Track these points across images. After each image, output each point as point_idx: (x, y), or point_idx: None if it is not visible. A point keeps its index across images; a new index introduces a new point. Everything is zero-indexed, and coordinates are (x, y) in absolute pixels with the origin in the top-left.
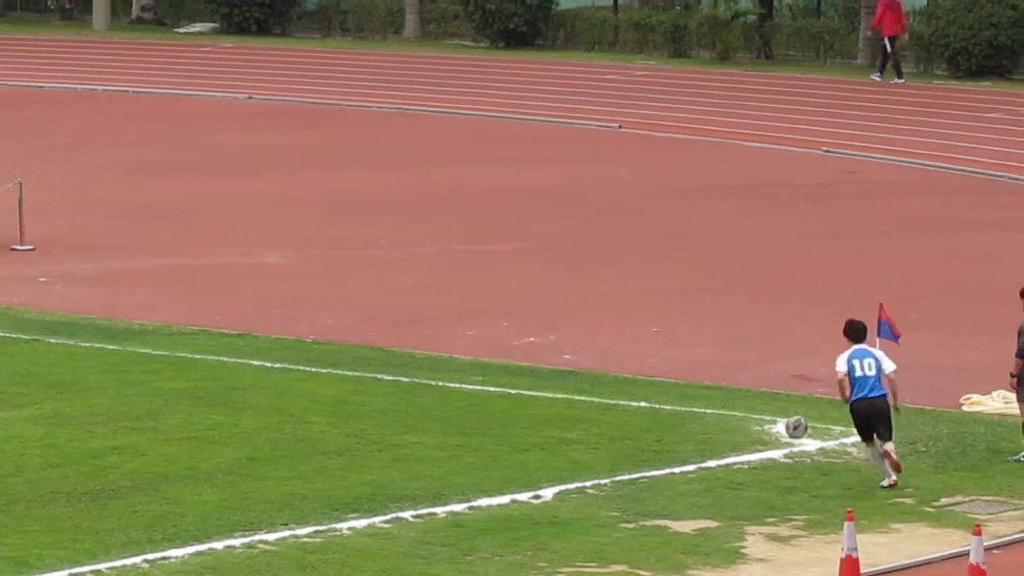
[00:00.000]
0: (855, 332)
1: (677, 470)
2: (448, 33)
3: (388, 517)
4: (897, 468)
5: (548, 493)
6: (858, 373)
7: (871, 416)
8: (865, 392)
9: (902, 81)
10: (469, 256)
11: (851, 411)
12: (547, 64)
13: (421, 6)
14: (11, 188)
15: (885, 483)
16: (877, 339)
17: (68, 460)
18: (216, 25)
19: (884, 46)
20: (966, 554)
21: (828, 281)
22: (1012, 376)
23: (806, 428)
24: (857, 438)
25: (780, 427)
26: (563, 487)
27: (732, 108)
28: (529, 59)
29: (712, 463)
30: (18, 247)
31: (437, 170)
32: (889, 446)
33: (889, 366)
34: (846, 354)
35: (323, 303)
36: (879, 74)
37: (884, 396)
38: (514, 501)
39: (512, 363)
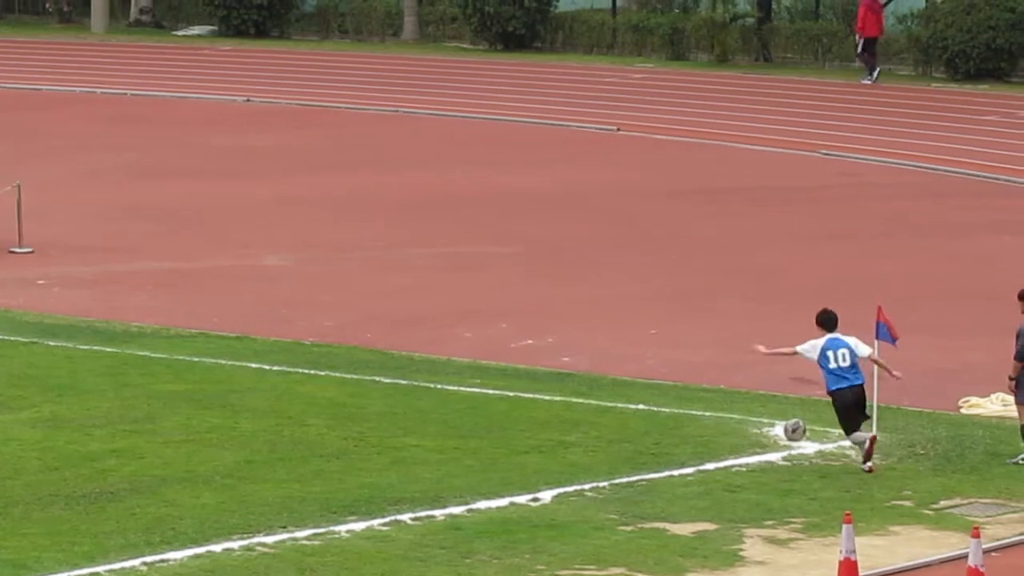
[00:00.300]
0: (828, 321)
1: (675, 473)
2: (446, 35)
3: (386, 520)
4: (868, 457)
5: (546, 496)
6: (832, 365)
7: (854, 403)
8: (845, 382)
9: (873, 78)
10: (467, 258)
11: (833, 401)
12: (545, 67)
13: (419, 8)
14: (10, 191)
15: (866, 467)
16: (876, 341)
17: (66, 463)
18: (214, 27)
19: (857, 45)
20: (965, 557)
21: (825, 283)
22: (1010, 379)
23: (804, 431)
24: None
25: (778, 430)
26: (561, 490)
27: (730, 111)
28: (527, 62)
29: (710, 466)
30: (16, 249)
31: (436, 172)
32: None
33: (864, 350)
34: (820, 343)
35: (321, 305)
36: (870, 78)
37: (862, 384)
38: (512, 504)
39: (510, 365)
